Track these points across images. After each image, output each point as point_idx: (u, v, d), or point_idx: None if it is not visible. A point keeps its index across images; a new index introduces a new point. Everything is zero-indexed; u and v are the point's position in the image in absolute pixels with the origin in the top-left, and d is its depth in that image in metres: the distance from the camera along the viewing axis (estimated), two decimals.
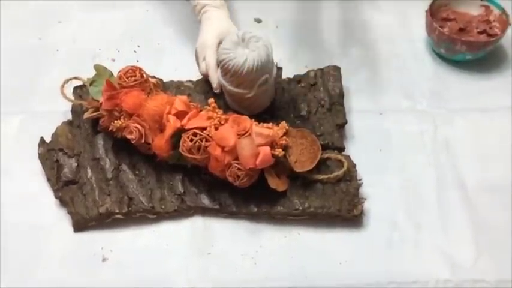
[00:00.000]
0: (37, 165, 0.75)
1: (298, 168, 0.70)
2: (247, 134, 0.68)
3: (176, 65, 0.89)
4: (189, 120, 0.69)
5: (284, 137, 0.70)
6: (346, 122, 0.78)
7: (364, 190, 0.73)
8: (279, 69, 0.83)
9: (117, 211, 0.70)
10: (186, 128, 0.69)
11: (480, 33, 0.88)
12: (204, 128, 0.68)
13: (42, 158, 0.75)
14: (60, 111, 0.81)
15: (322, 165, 0.72)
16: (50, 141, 0.77)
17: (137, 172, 0.74)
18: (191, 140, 0.67)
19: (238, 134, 0.67)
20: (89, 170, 0.74)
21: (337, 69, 0.83)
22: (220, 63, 0.73)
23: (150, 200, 0.71)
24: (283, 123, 0.71)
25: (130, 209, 0.71)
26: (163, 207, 0.71)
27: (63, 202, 0.72)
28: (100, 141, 0.76)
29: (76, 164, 0.74)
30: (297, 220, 0.71)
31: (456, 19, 0.90)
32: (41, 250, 0.69)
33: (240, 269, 0.68)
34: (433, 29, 0.86)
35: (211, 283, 0.67)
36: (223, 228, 0.71)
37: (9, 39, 0.93)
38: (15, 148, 0.79)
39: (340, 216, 0.70)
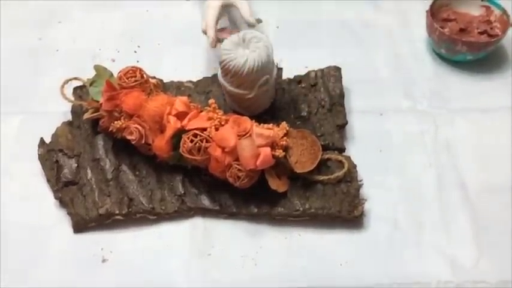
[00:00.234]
0: (37, 165, 0.75)
1: (298, 169, 0.70)
2: (248, 134, 0.67)
3: (176, 66, 0.89)
4: (189, 121, 0.69)
5: (284, 138, 0.70)
6: (346, 123, 0.78)
7: (365, 191, 0.73)
8: (280, 69, 0.82)
9: (117, 212, 0.70)
10: (187, 128, 0.69)
11: (481, 33, 0.88)
12: (205, 129, 0.68)
13: (42, 158, 0.75)
14: (60, 111, 0.81)
15: (322, 166, 0.72)
16: (50, 142, 0.77)
17: (137, 173, 0.74)
18: (191, 141, 0.67)
19: (238, 135, 0.67)
20: (89, 171, 0.74)
21: (337, 69, 0.83)
22: (220, 64, 0.72)
23: (150, 200, 0.71)
24: (284, 124, 0.71)
25: (130, 209, 0.71)
26: (163, 208, 0.71)
27: (63, 203, 0.72)
28: (100, 141, 0.76)
29: (76, 165, 0.74)
30: (297, 221, 0.71)
31: (457, 19, 0.89)
32: (40, 251, 0.69)
33: (241, 270, 0.68)
34: (434, 29, 0.86)
35: (211, 284, 0.67)
36: (223, 229, 0.71)
37: (9, 39, 0.93)
38: (15, 149, 0.79)
39: (340, 217, 0.70)
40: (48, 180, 0.74)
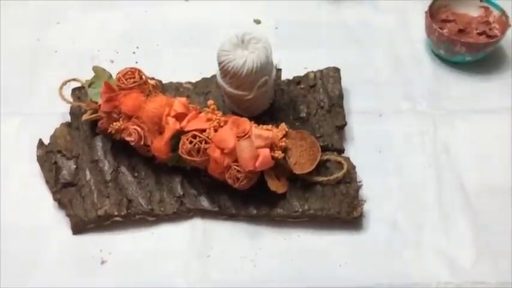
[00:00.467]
0: (35, 167, 0.75)
1: (297, 170, 0.70)
2: (247, 136, 0.67)
3: (175, 67, 0.88)
4: (188, 122, 0.69)
5: (284, 139, 0.70)
6: (345, 124, 0.78)
7: (364, 192, 0.73)
8: (279, 70, 0.82)
9: (116, 213, 0.70)
10: (186, 130, 0.68)
11: (480, 34, 0.88)
12: (204, 130, 0.68)
13: (41, 160, 0.75)
14: (59, 113, 0.80)
15: (321, 167, 0.72)
16: (49, 143, 0.77)
17: (136, 174, 0.74)
18: (190, 142, 0.67)
19: (237, 136, 0.67)
20: (87, 172, 0.73)
21: (336, 70, 0.83)
22: (219, 65, 0.72)
23: (149, 202, 0.71)
24: (283, 125, 0.71)
25: (129, 211, 0.71)
26: (162, 209, 0.71)
27: (61, 204, 0.72)
28: (99, 143, 0.75)
29: (75, 166, 0.74)
30: (296, 222, 0.71)
31: (456, 20, 0.89)
32: (39, 252, 0.69)
33: (240, 271, 0.68)
34: (433, 30, 0.86)
35: (210, 285, 0.67)
36: (222, 231, 0.71)
37: (8, 40, 0.93)
38: (14, 150, 0.78)
39: (339, 218, 0.70)
40: (47, 182, 0.74)
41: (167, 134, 0.68)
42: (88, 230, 0.71)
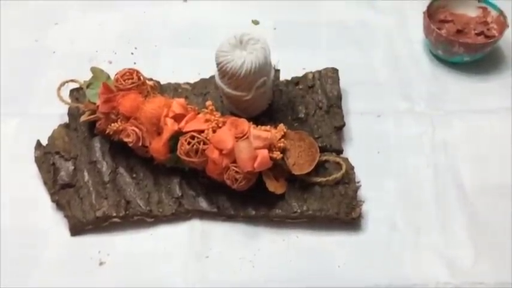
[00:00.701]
0: (33, 168, 0.75)
1: (296, 171, 0.70)
2: (245, 136, 0.67)
3: (173, 67, 0.88)
4: (186, 123, 0.69)
5: (282, 140, 0.70)
6: (344, 124, 0.78)
7: (363, 193, 0.73)
8: (277, 71, 0.82)
9: (114, 215, 0.70)
10: (184, 131, 0.68)
11: (478, 34, 0.88)
12: (202, 131, 0.68)
13: (39, 161, 0.75)
14: (57, 114, 0.80)
15: (320, 167, 0.72)
16: (47, 145, 0.76)
17: (134, 175, 0.73)
18: (189, 143, 0.67)
19: (236, 137, 0.67)
20: (85, 173, 0.73)
21: (335, 71, 0.83)
22: (218, 66, 0.72)
23: (148, 203, 0.71)
24: (281, 126, 0.71)
25: (127, 212, 0.70)
26: (160, 210, 0.71)
27: (59, 206, 0.72)
28: (97, 144, 0.75)
29: (73, 167, 0.74)
30: (295, 223, 0.71)
31: (454, 21, 0.89)
32: (37, 254, 0.69)
33: (238, 272, 0.67)
34: (431, 30, 0.86)
35: (209, 286, 0.66)
36: (221, 232, 0.71)
37: (6, 40, 0.92)
38: (12, 151, 0.78)
39: (338, 219, 0.70)
40: (45, 183, 0.74)
41: (165, 135, 0.68)
42: (86, 231, 0.71)
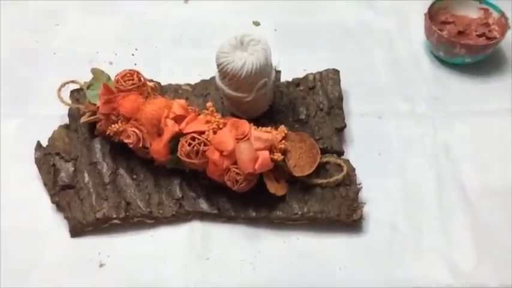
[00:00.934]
0: (33, 169, 0.75)
1: (297, 173, 0.70)
2: (246, 138, 0.67)
3: (174, 68, 0.88)
4: (187, 124, 0.69)
5: (283, 141, 0.69)
6: (345, 126, 0.78)
7: (364, 194, 0.72)
8: (278, 72, 0.82)
9: (114, 216, 0.70)
10: (184, 132, 0.68)
11: (479, 36, 0.88)
12: (203, 132, 0.68)
13: (39, 162, 0.75)
14: (57, 115, 0.80)
15: (321, 169, 0.72)
16: (47, 146, 0.76)
17: (135, 176, 0.73)
18: (189, 145, 0.67)
19: (236, 138, 0.67)
20: (86, 175, 0.73)
21: (336, 72, 0.83)
22: (218, 67, 0.72)
23: (148, 204, 0.71)
24: (282, 127, 0.71)
25: (127, 213, 0.70)
26: (161, 212, 0.71)
27: (59, 207, 0.72)
28: (97, 145, 0.75)
29: (73, 169, 0.74)
30: (296, 225, 0.71)
31: (455, 22, 0.89)
32: (37, 255, 0.69)
33: (239, 274, 0.67)
34: (432, 32, 0.86)
35: None
36: (221, 233, 0.71)
37: (6, 42, 0.92)
38: (12, 152, 0.78)
39: (339, 221, 0.70)
40: (45, 184, 0.73)
41: (166, 136, 0.68)
42: (86, 233, 0.71)
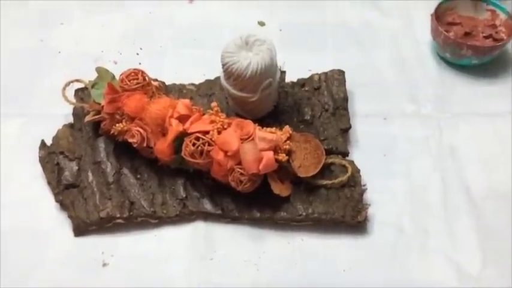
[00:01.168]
0: (38, 168, 0.75)
1: (301, 173, 0.70)
2: (251, 138, 0.67)
3: (178, 68, 0.88)
4: (191, 124, 0.68)
5: (288, 142, 0.69)
6: (350, 127, 0.78)
7: (369, 196, 0.72)
8: (283, 72, 0.82)
9: (118, 215, 0.70)
10: (189, 132, 0.68)
11: (486, 37, 0.87)
12: (207, 132, 0.67)
13: (43, 161, 0.75)
14: (62, 114, 0.80)
15: (326, 170, 0.72)
16: (51, 144, 0.76)
17: (139, 176, 0.73)
18: (193, 144, 0.67)
19: (241, 139, 0.67)
20: (90, 174, 0.73)
21: (341, 73, 0.82)
22: (223, 67, 0.72)
23: (152, 204, 0.71)
24: (287, 128, 0.71)
25: (131, 213, 0.70)
26: (164, 211, 0.71)
27: (63, 206, 0.72)
28: (101, 144, 0.75)
29: (77, 168, 0.74)
30: (300, 226, 0.70)
31: (462, 23, 0.89)
32: (41, 254, 0.69)
33: (243, 275, 0.67)
34: (439, 33, 0.85)
35: None
36: (225, 234, 0.70)
37: (11, 40, 0.93)
38: (16, 151, 0.78)
39: (344, 222, 0.69)
40: (49, 183, 0.73)
41: (170, 135, 0.68)
42: (90, 232, 0.70)
